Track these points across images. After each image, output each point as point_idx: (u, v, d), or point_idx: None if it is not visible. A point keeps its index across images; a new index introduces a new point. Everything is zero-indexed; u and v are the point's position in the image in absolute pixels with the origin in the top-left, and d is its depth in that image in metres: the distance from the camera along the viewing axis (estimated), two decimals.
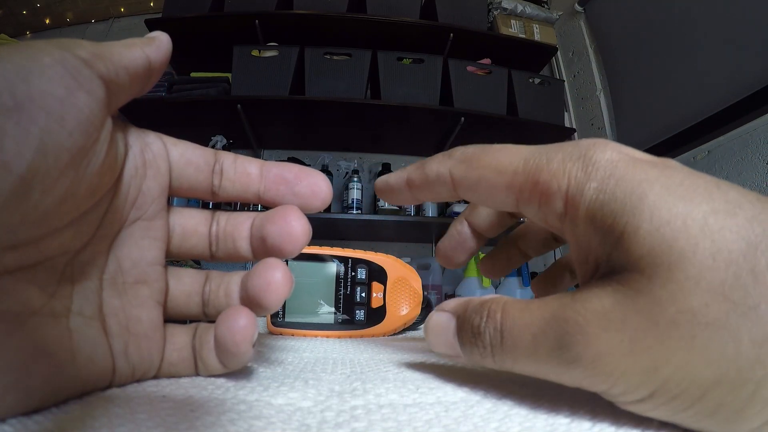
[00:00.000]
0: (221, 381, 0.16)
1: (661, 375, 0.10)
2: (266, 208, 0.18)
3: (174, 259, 0.17)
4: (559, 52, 1.72)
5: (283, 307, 0.34)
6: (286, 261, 0.34)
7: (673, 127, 1.20)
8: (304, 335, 0.33)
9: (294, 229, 0.16)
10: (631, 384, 0.11)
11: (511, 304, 0.13)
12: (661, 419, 0.11)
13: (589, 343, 0.11)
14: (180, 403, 0.13)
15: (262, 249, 0.17)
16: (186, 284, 0.17)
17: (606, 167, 0.12)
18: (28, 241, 0.11)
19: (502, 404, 0.14)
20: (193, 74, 1.47)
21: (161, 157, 0.16)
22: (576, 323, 0.11)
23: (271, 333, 0.34)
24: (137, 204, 0.15)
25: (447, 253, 0.23)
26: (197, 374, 0.17)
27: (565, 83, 1.72)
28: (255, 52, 1.40)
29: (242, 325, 0.14)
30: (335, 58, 1.40)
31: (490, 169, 0.15)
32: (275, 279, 0.15)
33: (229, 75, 1.41)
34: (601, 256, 0.12)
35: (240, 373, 0.18)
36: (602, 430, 0.11)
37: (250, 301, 0.16)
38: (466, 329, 0.14)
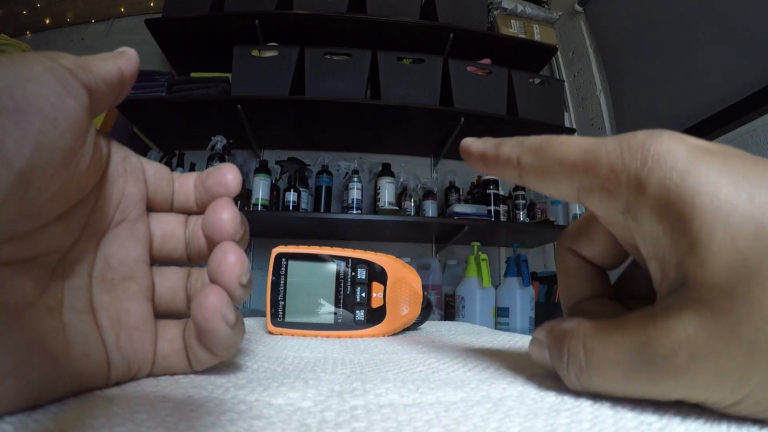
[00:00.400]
0: (221, 381, 0.16)
1: (746, 389, 0.11)
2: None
3: (155, 262, 0.18)
4: (559, 52, 1.73)
5: (283, 307, 0.34)
6: (287, 262, 0.34)
7: (673, 127, 1.20)
8: (304, 335, 0.33)
9: (219, 217, 0.17)
10: (719, 398, 0.11)
11: (592, 337, 0.14)
12: (753, 417, 0.12)
13: (679, 375, 0.11)
14: (180, 403, 0.13)
15: (208, 241, 0.18)
16: (171, 281, 0.19)
17: (667, 159, 0.12)
18: (23, 235, 0.12)
19: (502, 404, 0.14)
20: (193, 74, 1.47)
21: (139, 168, 0.17)
22: (664, 357, 0.12)
23: (271, 333, 0.34)
24: (121, 207, 0.16)
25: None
26: (190, 368, 0.17)
27: (565, 83, 1.72)
28: (255, 52, 1.40)
29: (212, 301, 0.15)
30: (335, 58, 1.41)
31: (553, 160, 0.15)
32: (227, 260, 0.15)
33: (229, 75, 1.41)
34: (673, 258, 0.12)
35: (240, 373, 0.18)
36: (602, 430, 0.11)
37: (213, 272, 0.16)
38: (556, 364, 0.15)
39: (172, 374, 0.17)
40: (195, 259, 0.19)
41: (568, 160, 0.14)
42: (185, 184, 0.19)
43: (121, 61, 0.15)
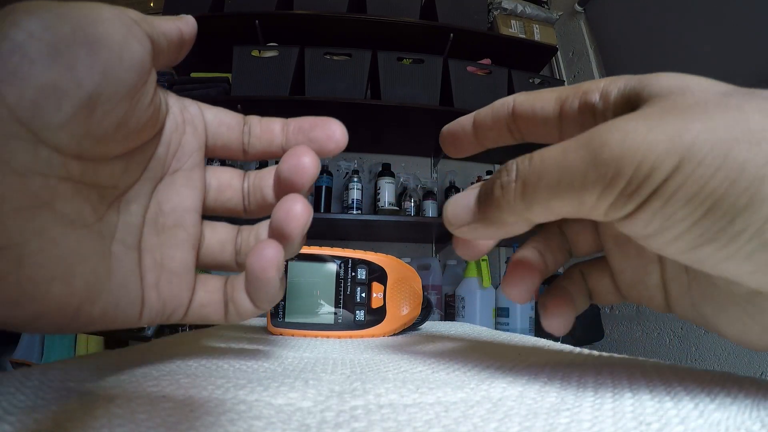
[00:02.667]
0: (221, 381, 0.16)
1: (686, 140, 0.11)
2: None
3: (210, 213, 0.19)
4: (559, 52, 1.72)
5: (283, 307, 0.34)
6: (286, 262, 0.34)
7: None
8: (304, 335, 0.33)
9: (303, 162, 0.17)
10: (659, 156, 0.11)
11: (537, 153, 0.14)
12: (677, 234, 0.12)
13: (613, 131, 0.12)
14: (180, 403, 0.13)
15: (280, 190, 0.19)
16: (220, 234, 0.20)
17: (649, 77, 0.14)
18: (89, 156, 0.14)
19: (502, 404, 0.14)
20: (193, 74, 1.47)
21: (198, 118, 0.18)
22: (604, 128, 0.12)
23: (271, 333, 0.34)
24: (177, 156, 0.18)
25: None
26: (225, 319, 0.18)
27: (566, 83, 1.72)
28: (255, 52, 1.40)
29: (270, 252, 0.16)
30: (335, 58, 1.40)
31: (546, 92, 0.17)
32: (295, 209, 0.16)
33: (229, 75, 1.41)
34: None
35: (240, 373, 0.18)
36: (602, 430, 0.11)
37: (276, 234, 0.17)
38: (493, 185, 0.15)
39: (205, 324, 0.19)
40: (253, 211, 0.20)
41: (560, 88, 0.17)
42: (269, 129, 0.19)
43: (181, 23, 0.17)
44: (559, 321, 0.18)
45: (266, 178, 0.19)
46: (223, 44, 1.43)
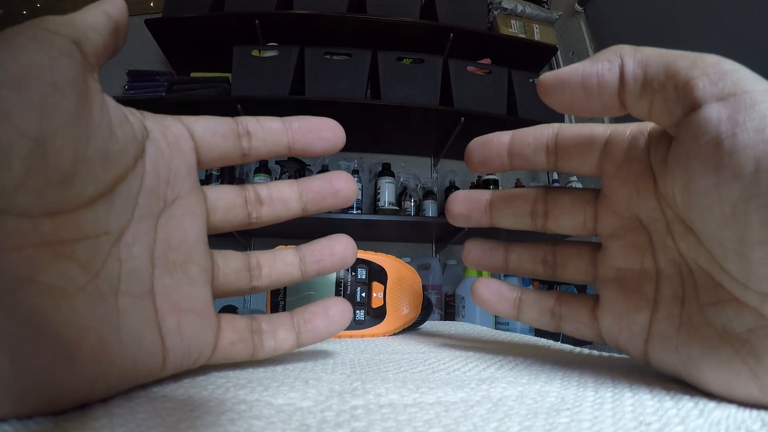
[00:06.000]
0: (221, 381, 0.16)
1: None
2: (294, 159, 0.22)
3: (216, 233, 0.19)
4: (559, 52, 1.72)
5: (283, 307, 0.34)
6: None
7: None
8: None
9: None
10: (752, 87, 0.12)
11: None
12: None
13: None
14: (180, 402, 0.13)
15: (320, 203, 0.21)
16: (233, 262, 0.19)
17: None
18: (60, 209, 0.12)
19: (502, 404, 0.14)
20: (193, 74, 1.47)
21: (184, 136, 0.17)
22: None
23: None
24: (171, 183, 0.16)
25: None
26: (253, 356, 0.19)
27: None
28: (255, 52, 1.40)
29: (344, 241, 0.22)
30: (335, 58, 1.40)
31: (597, 126, 0.18)
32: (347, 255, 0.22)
33: (229, 75, 1.41)
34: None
35: (240, 373, 0.18)
36: (602, 430, 0.11)
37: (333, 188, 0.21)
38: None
39: (232, 362, 0.18)
40: (261, 224, 0.20)
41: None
42: (271, 130, 0.19)
43: (106, 5, 0.15)
44: (487, 296, 0.23)
45: (275, 190, 0.20)
46: (223, 44, 1.43)
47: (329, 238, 0.21)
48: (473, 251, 0.24)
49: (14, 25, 0.12)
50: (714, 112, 0.12)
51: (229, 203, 0.19)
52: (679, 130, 0.14)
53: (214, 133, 0.18)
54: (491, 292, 0.22)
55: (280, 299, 0.34)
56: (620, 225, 0.18)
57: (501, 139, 0.20)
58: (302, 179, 0.20)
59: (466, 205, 0.22)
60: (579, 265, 0.20)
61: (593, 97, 0.16)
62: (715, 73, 0.13)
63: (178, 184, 0.16)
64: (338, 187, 0.20)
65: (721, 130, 0.12)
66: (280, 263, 0.20)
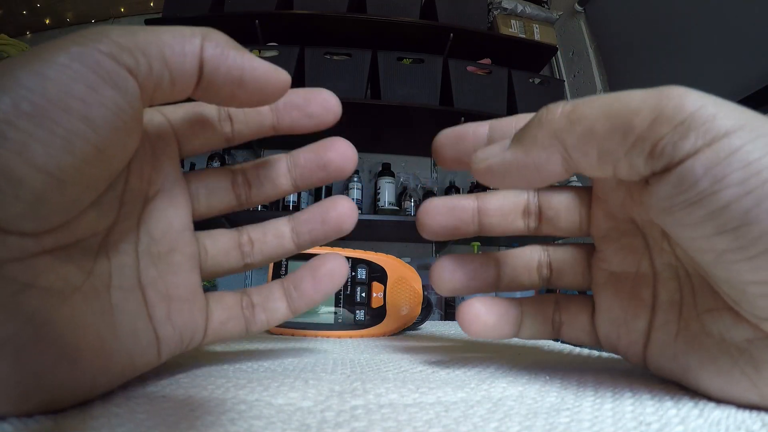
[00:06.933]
0: (221, 381, 0.16)
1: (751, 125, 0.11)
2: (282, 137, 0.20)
3: (203, 218, 0.18)
4: (559, 52, 1.72)
5: None
6: (287, 262, 0.34)
7: None
8: (304, 335, 0.33)
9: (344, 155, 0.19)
10: (719, 119, 0.11)
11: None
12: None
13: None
14: (180, 402, 0.13)
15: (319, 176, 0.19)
16: (222, 242, 0.18)
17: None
18: (61, 225, 0.12)
19: (502, 404, 0.14)
20: None
21: (164, 127, 0.16)
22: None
23: (271, 333, 0.34)
24: (152, 179, 0.16)
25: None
26: (247, 332, 0.18)
27: (565, 83, 1.72)
28: (255, 52, 1.40)
29: (346, 203, 0.19)
30: (335, 58, 1.40)
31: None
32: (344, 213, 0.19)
33: None
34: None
35: (240, 373, 0.18)
36: (602, 430, 0.11)
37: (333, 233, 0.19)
38: (539, 112, 0.14)
39: (227, 341, 0.19)
40: (252, 203, 0.19)
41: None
42: (256, 111, 0.18)
43: (207, 42, 0.12)
44: (488, 319, 0.18)
45: (276, 165, 0.19)
46: None
47: (321, 204, 0.19)
48: (455, 273, 0.19)
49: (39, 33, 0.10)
50: (689, 171, 0.11)
51: (212, 187, 0.18)
52: (652, 183, 0.12)
53: (193, 121, 0.17)
54: (493, 314, 0.18)
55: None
56: (614, 226, 0.17)
57: (478, 131, 0.19)
58: (293, 153, 0.19)
59: (448, 216, 0.18)
60: (575, 270, 0.19)
61: (538, 182, 0.15)
62: (682, 122, 0.11)
63: (160, 179, 0.16)
64: (327, 159, 0.19)
65: (702, 188, 0.11)
66: (271, 237, 0.19)
